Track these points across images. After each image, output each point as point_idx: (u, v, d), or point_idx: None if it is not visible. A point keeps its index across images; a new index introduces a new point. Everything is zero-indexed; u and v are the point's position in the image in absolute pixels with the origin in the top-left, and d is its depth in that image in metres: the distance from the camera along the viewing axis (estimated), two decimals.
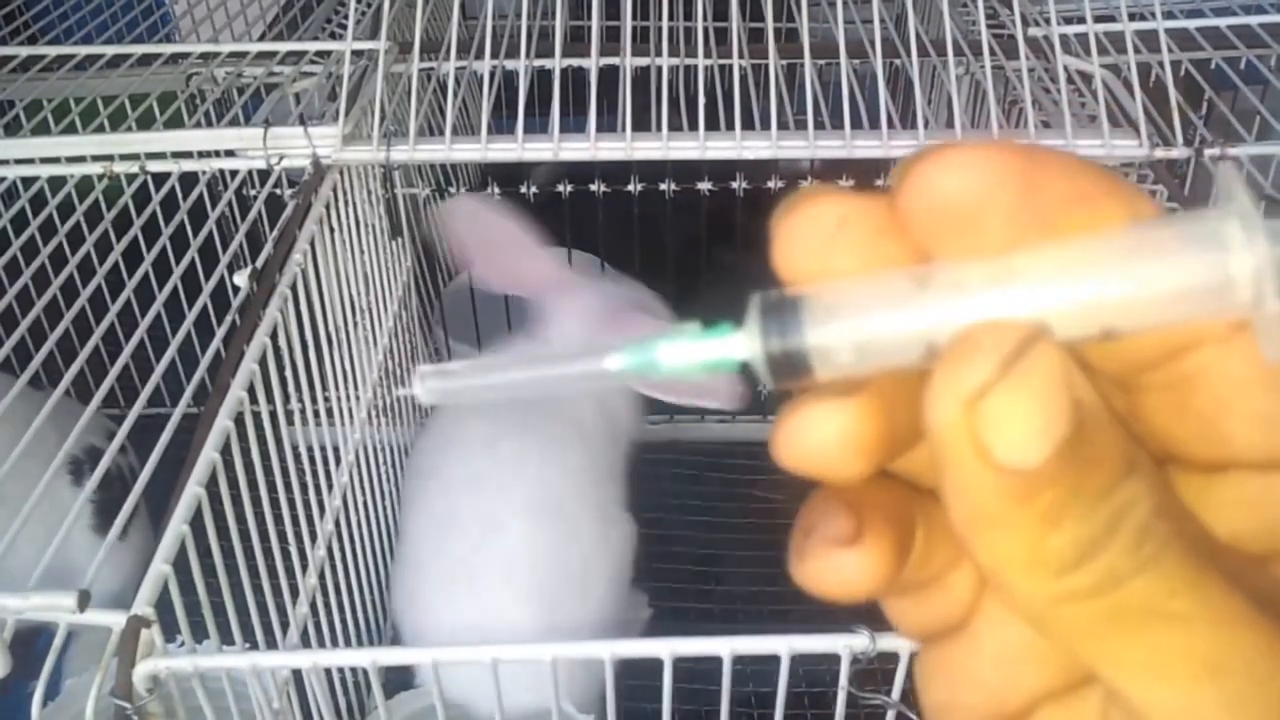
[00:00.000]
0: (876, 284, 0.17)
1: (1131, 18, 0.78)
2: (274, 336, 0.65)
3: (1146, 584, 0.16)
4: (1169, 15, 0.90)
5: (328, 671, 0.63)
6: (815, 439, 0.18)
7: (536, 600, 0.75)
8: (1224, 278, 0.16)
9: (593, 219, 0.93)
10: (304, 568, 0.67)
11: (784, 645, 0.49)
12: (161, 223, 0.74)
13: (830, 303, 0.17)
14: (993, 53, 0.77)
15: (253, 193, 0.79)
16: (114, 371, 0.60)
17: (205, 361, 0.63)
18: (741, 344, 0.18)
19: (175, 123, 0.84)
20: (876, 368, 0.17)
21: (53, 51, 0.88)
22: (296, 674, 0.58)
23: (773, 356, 0.17)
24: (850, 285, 0.17)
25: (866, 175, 0.75)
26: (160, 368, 0.60)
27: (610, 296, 0.87)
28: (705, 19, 0.85)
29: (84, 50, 0.87)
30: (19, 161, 0.77)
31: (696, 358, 0.18)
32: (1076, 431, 0.16)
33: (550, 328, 0.85)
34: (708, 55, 0.81)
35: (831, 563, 0.18)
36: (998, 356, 0.16)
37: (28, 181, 0.78)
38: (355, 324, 0.82)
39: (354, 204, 0.82)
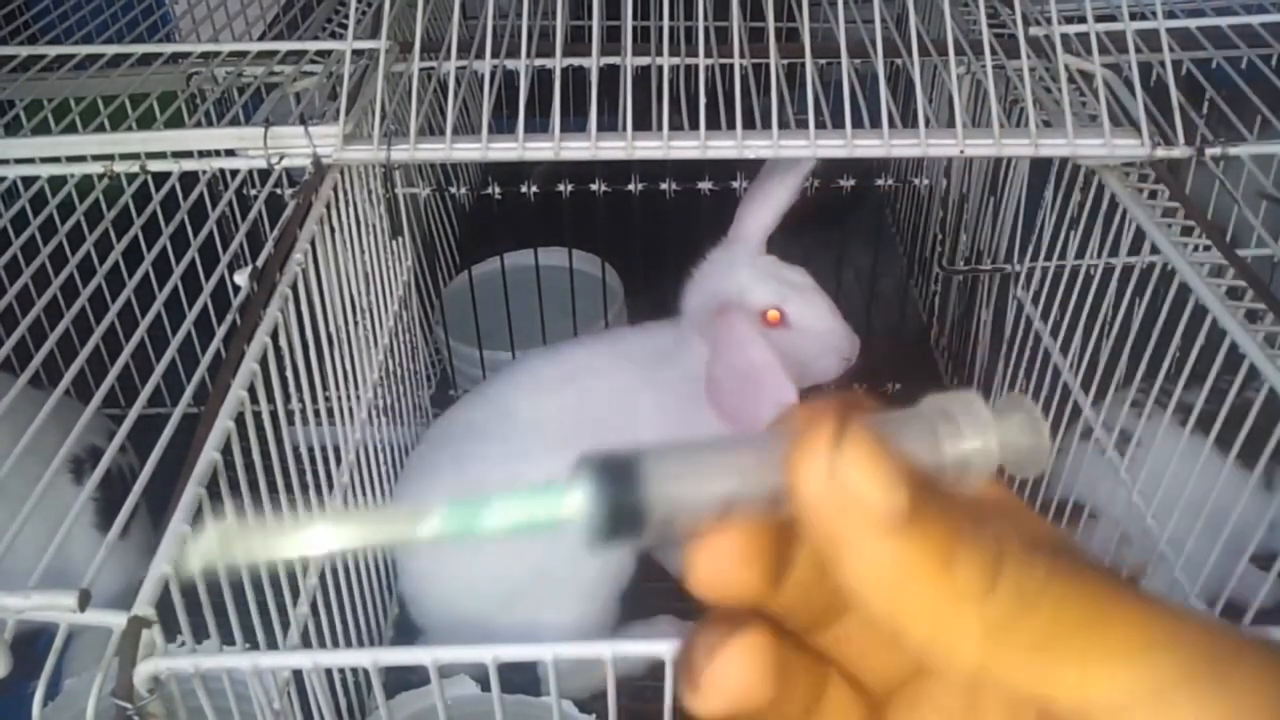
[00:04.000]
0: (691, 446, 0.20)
1: (1133, 17, 0.78)
2: (274, 336, 0.65)
3: (1055, 600, 0.18)
4: (1170, 15, 0.90)
5: (328, 671, 0.63)
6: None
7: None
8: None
9: (593, 219, 0.93)
10: (304, 568, 0.67)
11: None
12: (162, 222, 0.74)
13: (655, 465, 0.19)
14: (994, 52, 0.77)
15: (253, 192, 0.79)
16: (114, 371, 0.60)
17: (205, 361, 0.63)
18: (573, 502, 0.19)
19: (175, 122, 0.83)
20: (690, 518, 0.20)
21: (53, 51, 0.88)
22: (297, 674, 0.58)
23: (608, 514, 0.19)
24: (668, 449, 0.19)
25: (867, 174, 0.75)
26: (160, 367, 0.60)
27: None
28: (706, 18, 0.85)
29: (84, 50, 0.87)
30: (19, 161, 0.77)
31: (520, 516, 0.19)
32: (919, 480, 0.18)
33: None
34: (708, 55, 0.81)
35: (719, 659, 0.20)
36: (825, 436, 0.18)
37: (28, 181, 0.78)
38: (356, 324, 0.82)
39: (354, 203, 0.82)
